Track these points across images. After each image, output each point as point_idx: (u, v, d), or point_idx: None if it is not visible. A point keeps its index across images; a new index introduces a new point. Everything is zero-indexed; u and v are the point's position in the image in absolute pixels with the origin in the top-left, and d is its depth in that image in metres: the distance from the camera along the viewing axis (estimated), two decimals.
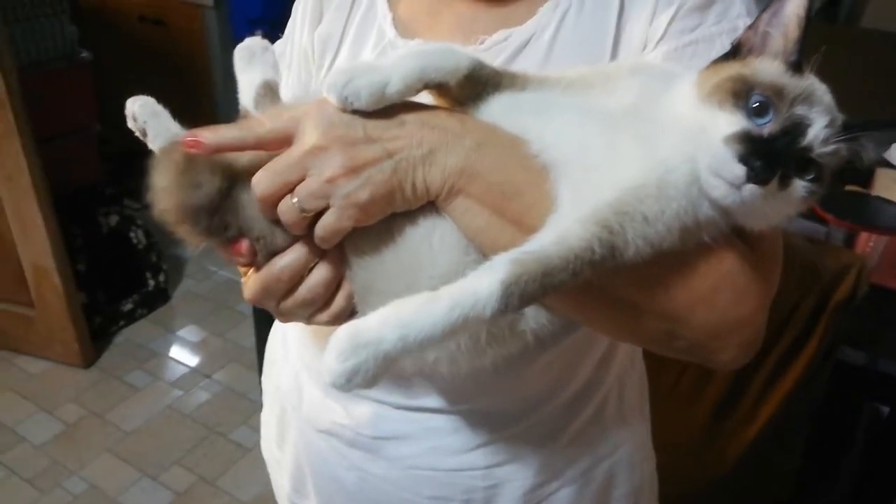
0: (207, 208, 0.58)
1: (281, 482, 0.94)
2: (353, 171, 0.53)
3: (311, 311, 0.62)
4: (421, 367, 0.63)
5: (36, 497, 2.15)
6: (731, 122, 0.51)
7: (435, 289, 0.50)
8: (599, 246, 0.51)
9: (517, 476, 0.80)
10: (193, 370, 2.67)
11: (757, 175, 0.49)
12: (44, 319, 2.56)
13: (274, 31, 0.88)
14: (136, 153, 0.67)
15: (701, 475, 1.34)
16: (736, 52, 0.56)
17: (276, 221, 0.58)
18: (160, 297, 2.99)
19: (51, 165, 2.39)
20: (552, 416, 0.80)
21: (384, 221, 0.57)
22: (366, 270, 0.60)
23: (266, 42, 0.71)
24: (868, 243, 1.38)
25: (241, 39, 0.71)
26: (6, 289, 2.55)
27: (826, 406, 1.36)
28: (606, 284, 0.56)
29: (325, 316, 0.62)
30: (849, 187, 1.73)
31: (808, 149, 0.51)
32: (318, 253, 0.60)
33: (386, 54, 0.75)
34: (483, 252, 0.56)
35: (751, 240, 0.58)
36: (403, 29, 0.75)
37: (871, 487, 1.57)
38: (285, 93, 0.84)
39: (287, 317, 0.63)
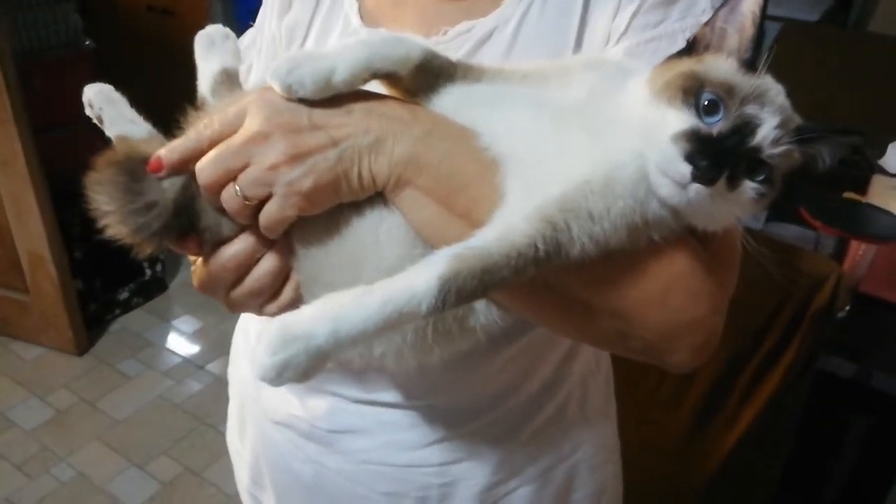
0: (166, 227, 0.58)
1: (241, 474, 0.93)
2: (297, 158, 0.52)
3: (259, 301, 0.61)
4: (368, 361, 0.62)
5: (23, 482, 2.16)
6: (680, 119, 0.50)
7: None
8: (543, 243, 0.50)
9: (473, 474, 0.78)
10: (186, 360, 2.67)
11: (703, 174, 0.48)
12: (38, 306, 2.57)
13: None
14: None
15: (681, 483, 1.33)
16: (692, 48, 0.54)
17: (223, 211, 0.57)
18: (157, 286, 3.00)
19: (50, 153, 2.40)
20: (511, 413, 0.79)
21: (331, 211, 0.56)
22: (312, 261, 0.59)
23: (227, 30, 0.70)
24: (858, 252, 1.35)
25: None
26: (1, 275, 2.57)
27: (809, 417, 1.34)
28: (555, 281, 0.55)
29: (273, 307, 0.61)
30: (845, 194, 1.71)
31: (758, 149, 0.49)
32: (266, 243, 0.59)
33: None
34: (431, 245, 0.55)
35: (706, 241, 0.57)
36: (369, 18, 0.75)
37: (857, 499, 1.55)
38: (254, 81, 0.83)
39: (236, 307, 0.63)
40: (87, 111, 0.66)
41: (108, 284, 2.81)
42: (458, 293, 0.48)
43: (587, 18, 0.67)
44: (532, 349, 0.77)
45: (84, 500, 2.12)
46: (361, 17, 0.75)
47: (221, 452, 2.42)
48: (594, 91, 0.56)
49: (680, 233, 0.55)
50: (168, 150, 0.57)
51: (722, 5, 0.57)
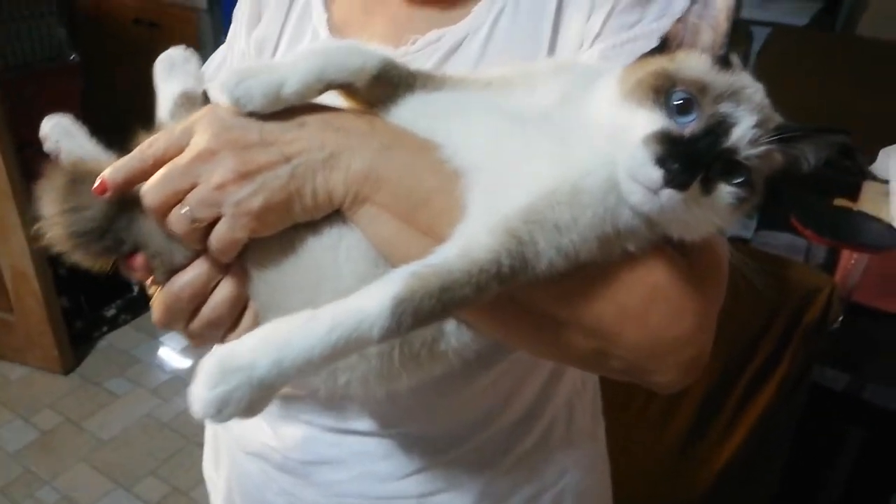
0: (96, 231, 0.56)
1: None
2: (245, 176, 0.50)
3: (219, 332, 0.58)
4: (333, 390, 0.58)
5: None
6: (650, 121, 0.47)
7: None
8: (508, 258, 0.47)
9: None
10: (174, 378, 2.63)
11: (674, 178, 0.45)
12: (23, 324, 2.53)
13: None
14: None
15: (672, 502, 1.30)
16: (664, 46, 0.52)
17: (174, 236, 0.54)
18: (145, 302, 2.90)
19: (35, 169, 2.36)
20: (492, 440, 0.76)
21: (286, 231, 0.54)
22: (267, 285, 0.56)
23: (189, 52, 0.68)
24: (850, 260, 1.33)
25: None
26: None
27: (803, 430, 1.31)
28: (522, 297, 0.52)
29: (233, 337, 0.58)
30: (836, 201, 1.69)
31: (734, 150, 0.46)
32: (221, 269, 0.56)
33: None
34: (393, 265, 0.52)
35: (688, 252, 0.53)
36: (336, 30, 0.72)
37: None
38: (221, 99, 0.80)
39: (198, 340, 0.59)
40: (45, 145, 0.63)
41: (94, 301, 2.77)
42: (415, 315, 0.45)
43: (560, 22, 0.64)
44: (513, 372, 0.74)
45: None
46: (330, 30, 0.72)
47: None
48: (562, 96, 0.53)
49: (658, 244, 0.52)
50: (112, 170, 0.54)
51: (695, 0, 0.54)
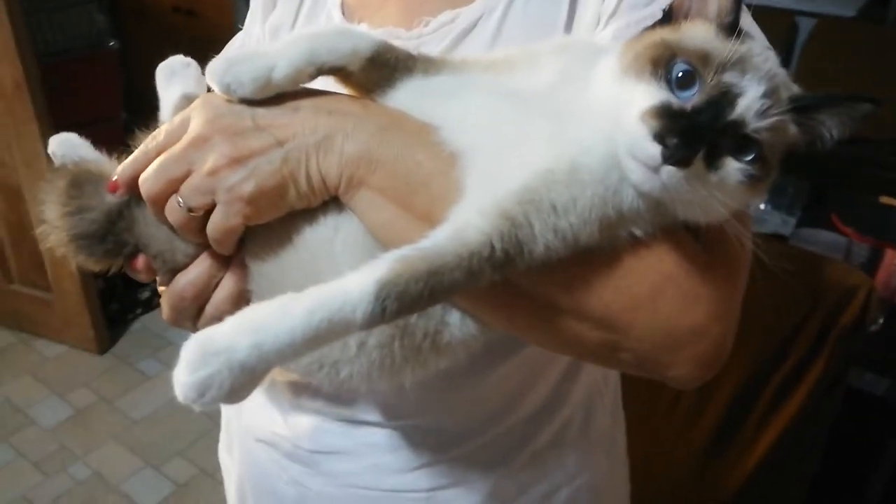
0: (97, 234, 0.57)
1: (229, 490, 0.90)
2: (238, 161, 0.49)
3: None
4: (336, 382, 0.57)
5: (40, 480, 2.18)
6: (649, 94, 0.44)
7: None
8: (500, 241, 0.45)
9: (463, 501, 0.73)
10: None
11: (672, 154, 0.42)
12: (61, 304, 2.59)
13: None
14: None
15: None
16: (669, 18, 0.49)
17: (174, 232, 0.55)
18: None
19: None
20: (504, 437, 0.74)
21: (283, 223, 0.53)
22: (266, 279, 0.55)
23: (188, 59, 0.68)
24: (894, 261, 1.27)
25: None
26: (26, 273, 2.60)
27: (838, 437, 1.26)
28: (525, 284, 0.50)
29: None
30: (881, 199, 1.61)
31: (740, 123, 0.43)
32: (222, 266, 0.56)
33: None
34: None
35: (703, 238, 0.50)
36: (350, 12, 0.71)
37: None
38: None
39: None
40: (54, 160, 0.66)
41: (129, 283, 2.82)
42: (400, 298, 0.43)
43: (577, 3, 0.62)
44: (526, 368, 0.72)
45: (99, 500, 2.13)
46: (343, 12, 0.71)
47: None
48: (564, 75, 0.51)
49: (670, 228, 0.49)
50: (121, 168, 0.55)
51: None
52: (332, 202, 0.52)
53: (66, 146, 0.66)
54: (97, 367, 2.62)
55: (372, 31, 0.52)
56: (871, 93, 0.46)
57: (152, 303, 2.91)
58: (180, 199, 0.51)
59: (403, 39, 0.65)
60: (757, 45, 0.46)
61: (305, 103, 0.51)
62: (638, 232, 0.48)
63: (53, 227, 0.58)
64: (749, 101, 0.43)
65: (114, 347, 2.72)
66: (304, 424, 0.75)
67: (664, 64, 0.44)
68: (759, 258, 0.52)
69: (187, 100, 0.65)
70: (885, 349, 1.28)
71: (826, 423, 1.16)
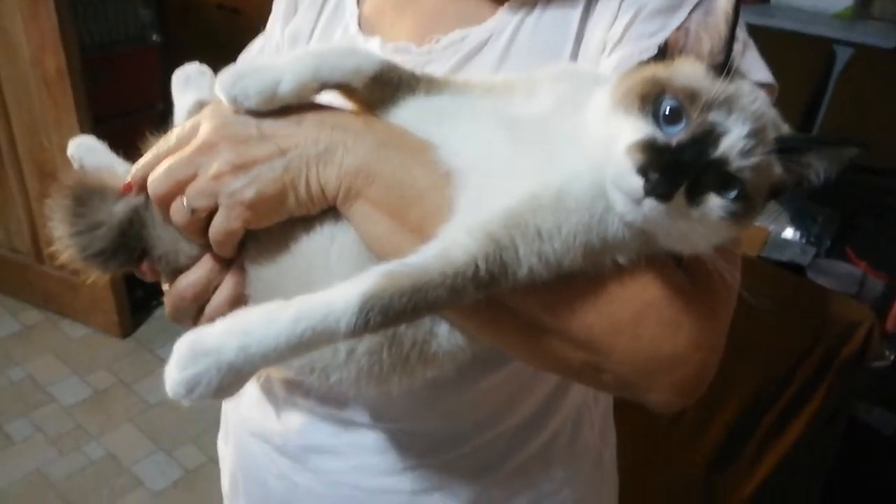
0: (109, 250, 0.59)
1: (224, 479, 0.93)
2: (241, 167, 0.52)
3: None
4: (326, 386, 0.60)
5: (55, 457, 2.24)
6: (636, 128, 0.46)
7: None
8: (485, 261, 0.47)
9: None
10: None
11: (654, 188, 0.43)
12: (88, 288, 2.66)
13: None
14: None
15: None
16: (664, 54, 0.50)
17: (177, 227, 0.57)
18: None
19: (113, 141, 2.49)
20: (490, 446, 0.75)
21: (282, 230, 0.55)
22: (263, 284, 0.58)
23: (204, 67, 0.71)
24: None
25: None
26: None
27: (842, 471, 1.24)
28: (512, 304, 0.52)
29: None
30: None
31: (724, 161, 0.45)
32: (222, 269, 0.59)
33: None
34: None
35: (689, 268, 0.52)
36: (367, 25, 0.73)
37: None
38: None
39: None
40: (72, 162, 0.69)
41: None
42: (383, 312, 0.45)
43: (584, 29, 0.63)
44: (516, 379, 0.73)
45: (110, 480, 2.18)
46: (360, 25, 0.73)
47: None
48: (560, 103, 0.53)
49: (655, 257, 0.50)
50: (135, 170, 0.58)
51: (696, 7, 0.53)
52: (329, 213, 0.55)
53: (84, 149, 0.69)
54: (118, 351, 2.69)
55: (378, 51, 0.55)
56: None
57: None
58: (185, 201, 0.54)
59: (413, 54, 0.67)
60: (746, 86, 0.48)
61: (309, 116, 0.53)
62: (622, 259, 0.50)
63: (65, 245, 0.60)
64: (733, 141, 0.44)
65: (136, 332, 2.79)
66: (295, 421, 0.77)
67: (653, 100, 0.46)
68: (742, 297, 0.53)
69: (200, 106, 0.68)
70: (894, 385, 1.26)
71: (828, 454, 1.14)
